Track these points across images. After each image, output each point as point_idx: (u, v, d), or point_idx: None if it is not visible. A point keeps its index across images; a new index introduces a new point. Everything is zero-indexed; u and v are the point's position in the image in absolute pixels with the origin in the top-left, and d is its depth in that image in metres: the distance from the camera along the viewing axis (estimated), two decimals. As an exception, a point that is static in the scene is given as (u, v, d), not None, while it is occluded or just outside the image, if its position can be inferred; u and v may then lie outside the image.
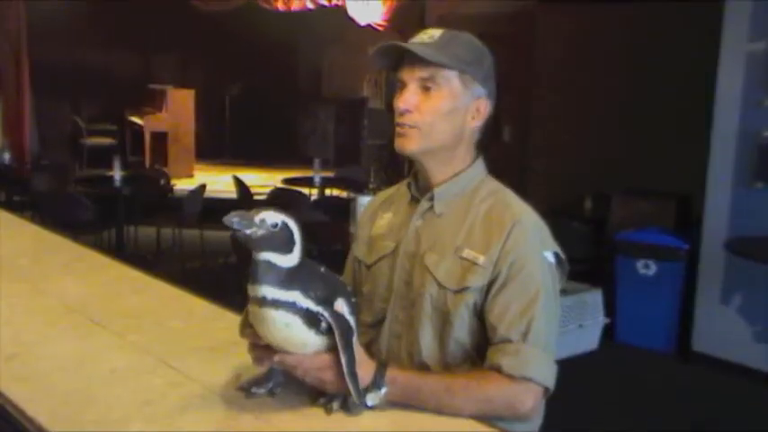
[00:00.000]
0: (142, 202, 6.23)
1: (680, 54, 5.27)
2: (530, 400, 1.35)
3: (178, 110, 9.00)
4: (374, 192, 4.78)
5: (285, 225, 1.18)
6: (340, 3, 8.19)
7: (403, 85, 1.48)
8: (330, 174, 7.24)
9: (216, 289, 1.93)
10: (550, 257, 1.45)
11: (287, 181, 6.60)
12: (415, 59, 1.43)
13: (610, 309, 4.61)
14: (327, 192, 6.59)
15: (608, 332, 4.59)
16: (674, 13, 5.26)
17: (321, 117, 10.29)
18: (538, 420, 1.51)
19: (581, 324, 4.34)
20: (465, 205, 1.49)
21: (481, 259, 1.41)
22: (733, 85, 4.36)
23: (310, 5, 8.25)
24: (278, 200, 5.83)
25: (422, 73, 1.45)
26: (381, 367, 1.30)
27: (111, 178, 5.83)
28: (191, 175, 8.84)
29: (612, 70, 5.84)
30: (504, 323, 1.38)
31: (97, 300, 1.85)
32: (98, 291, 1.93)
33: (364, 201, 3.64)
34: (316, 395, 1.30)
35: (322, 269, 1.27)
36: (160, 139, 8.96)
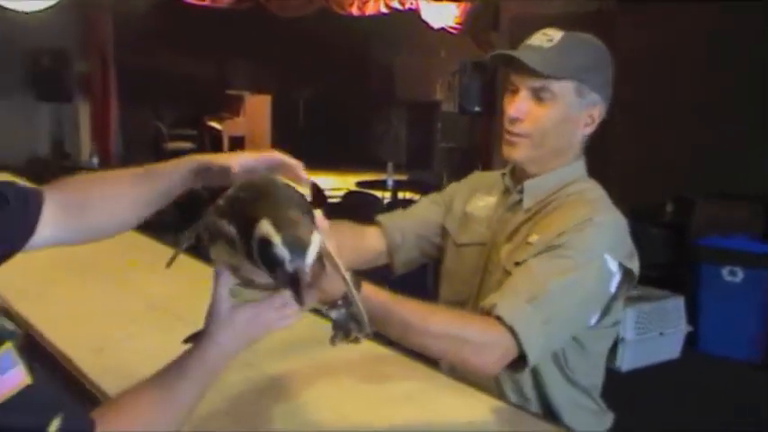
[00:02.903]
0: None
1: (765, 53, 5.08)
2: (498, 351, 1.24)
3: (255, 115, 9.20)
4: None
5: None
6: (414, 6, 8.21)
7: (514, 90, 1.43)
8: (403, 177, 7.26)
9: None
10: (611, 264, 1.35)
11: (360, 184, 6.65)
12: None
13: (691, 316, 4.47)
14: (400, 195, 6.61)
15: (690, 341, 4.46)
16: (758, 11, 5.07)
17: (394, 120, 10.34)
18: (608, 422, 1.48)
19: (662, 332, 4.23)
20: (552, 201, 1.45)
21: (535, 238, 1.37)
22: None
23: (384, 10, 8.29)
24: (351, 203, 5.88)
25: (535, 82, 1.39)
26: (357, 282, 1.18)
27: (191, 181, 5.97)
28: (266, 178, 8.99)
29: (695, 69, 5.66)
30: (519, 276, 1.31)
31: (180, 297, 1.89)
32: (180, 288, 1.98)
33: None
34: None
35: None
36: (237, 143, 9.17)
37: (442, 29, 8.30)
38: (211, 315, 0.97)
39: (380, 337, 1.49)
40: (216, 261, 1.01)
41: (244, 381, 1.38)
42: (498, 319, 1.25)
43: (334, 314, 1.15)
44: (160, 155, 9.53)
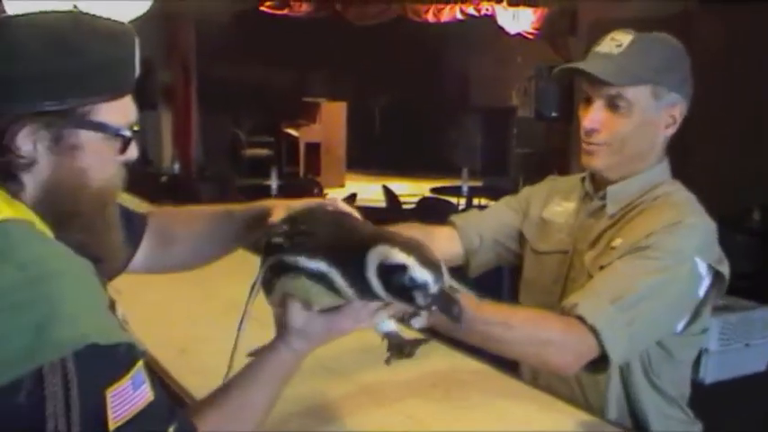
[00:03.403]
0: (296, 210, 6.46)
1: None
2: (579, 351, 1.23)
3: (331, 121, 9.33)
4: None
5: None
6: (490, 12, 8.18)
7: (588, 99, 1.40)
8: (478, 183, 7.22)
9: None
10: (701, 267, 1.32)
11: (435, 190, 6.65)
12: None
13: (779, 328, 4.30)
14: (475, 201, 6.57)
15: (778, 353, 4.28)
16: None
17: (469, 126, 10.29)
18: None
19: (747, 343, 4.07)
20: (637, 205, 1.42)
21: (619, 241, 1.35)
22: None
23: (460, 16, 8.29)
24: (425, 209, 5.89)
25: (608, 91, 1.36)
26: None
27: (268, 187, 6.12)
28: (342, 185, 9.11)
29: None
30: (603, 277, 1.29)
31: (258, 300, 1.94)
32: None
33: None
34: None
35: None
36: (313, 149, 9.31)
37: (519, 34, 8.23)
38: (286, 327, 1.00)
39: (456, 344, 1.49)
40: (278, 296, 1.00)
41: (320, 382, 1.41)
42: (579, 318, 1.23)
43: (416, 323, 1.12)
44: (238, 161, 9.76)
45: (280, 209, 1.13)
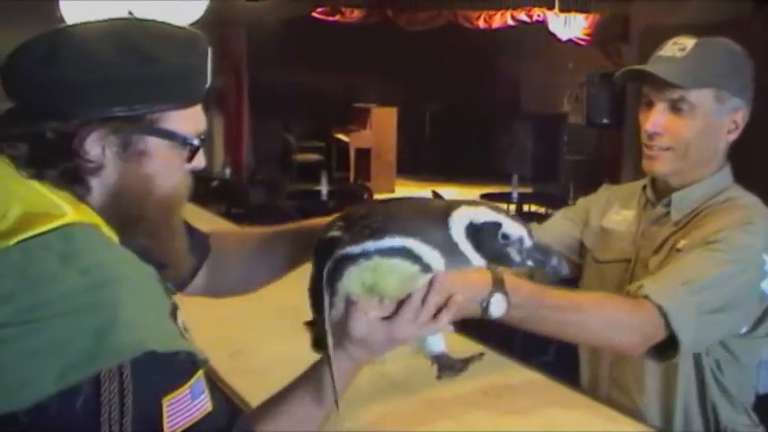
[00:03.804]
0: (346, 215, 6.50)
1: None
2: (645, 331, 1.22)
3: (381, 127, 9.36)
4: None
5: None
6: (541, 18, 8.12)
7: (649, 103, 1.39)
8: (528, 190, 7.17)
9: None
10: None
11: (485, 196, 6.62)
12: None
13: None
14: (525, 208, 6.53)
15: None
16: None
17: (520, 132, 10.22)
18: None
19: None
20: (702, 210, 1.41)
21: (683, 243, 1.34)
22: None
23: (511, 22, 8.25)
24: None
25: (671, 94, 1.35)
26: (498, 277, 1.08)
27: (318, 192, 6.16)
28: (392, 190, 9.13)
29: None
30: (671, 265, 1.28)
31: (307, 307, 1.97)
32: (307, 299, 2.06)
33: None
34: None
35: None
36: (364, 155, 9.36)
37: (570, 40, 8.15)
38: (347, 335, 0.98)
39: (509, 352, 1.49)
40: (340, 307, 0.97)
41: (367, 386, 1.42)
42: (646, 298, 1.23)
43: (496, 310, 1.07)
44: (289, 166, 9.86)
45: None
